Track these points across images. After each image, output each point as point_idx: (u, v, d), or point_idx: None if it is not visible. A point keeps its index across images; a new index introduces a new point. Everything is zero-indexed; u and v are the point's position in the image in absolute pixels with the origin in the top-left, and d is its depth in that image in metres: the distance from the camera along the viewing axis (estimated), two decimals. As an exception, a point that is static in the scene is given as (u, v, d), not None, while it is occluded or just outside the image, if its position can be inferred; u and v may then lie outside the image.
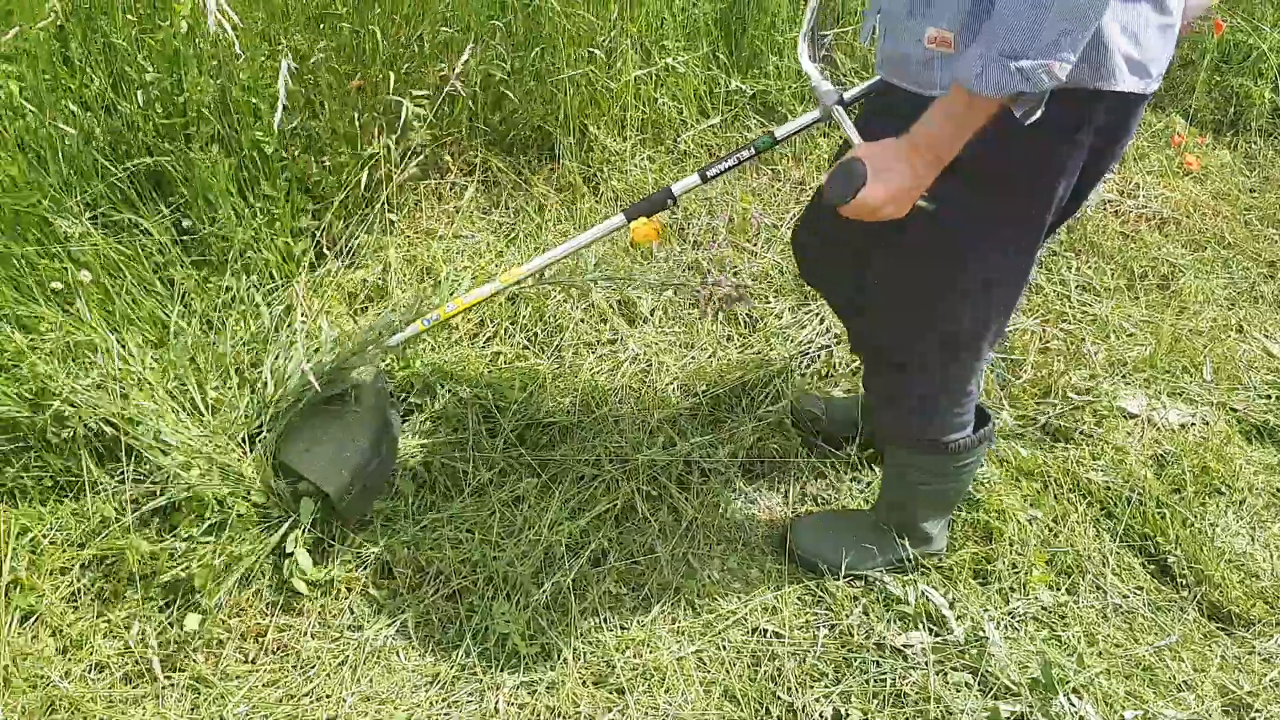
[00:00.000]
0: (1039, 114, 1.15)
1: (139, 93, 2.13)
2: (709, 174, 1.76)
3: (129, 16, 2.15)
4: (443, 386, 2.16)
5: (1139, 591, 1.94)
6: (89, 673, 1.67)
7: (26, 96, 1.96)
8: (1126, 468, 2.14)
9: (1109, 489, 2.10)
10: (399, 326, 1.96)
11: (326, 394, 1.90)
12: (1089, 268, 2.74)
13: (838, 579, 1.88)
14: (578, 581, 1.85)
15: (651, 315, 2.46)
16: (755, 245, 2.65)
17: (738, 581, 1.90)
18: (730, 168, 1.75)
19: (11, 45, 1.94)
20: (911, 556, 1.88)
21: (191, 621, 1.71)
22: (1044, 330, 2.51)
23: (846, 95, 1.54)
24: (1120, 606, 1.91)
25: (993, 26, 1.12)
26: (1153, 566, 2.00)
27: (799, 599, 1.87)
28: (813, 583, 1.89)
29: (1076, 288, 2.67)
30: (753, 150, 1.74)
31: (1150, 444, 2.23)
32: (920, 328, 1.57)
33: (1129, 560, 2.00)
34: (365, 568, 1.85)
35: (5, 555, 1.64)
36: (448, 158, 2.69)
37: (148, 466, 1.81)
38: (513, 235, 2.61)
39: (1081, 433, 2.23)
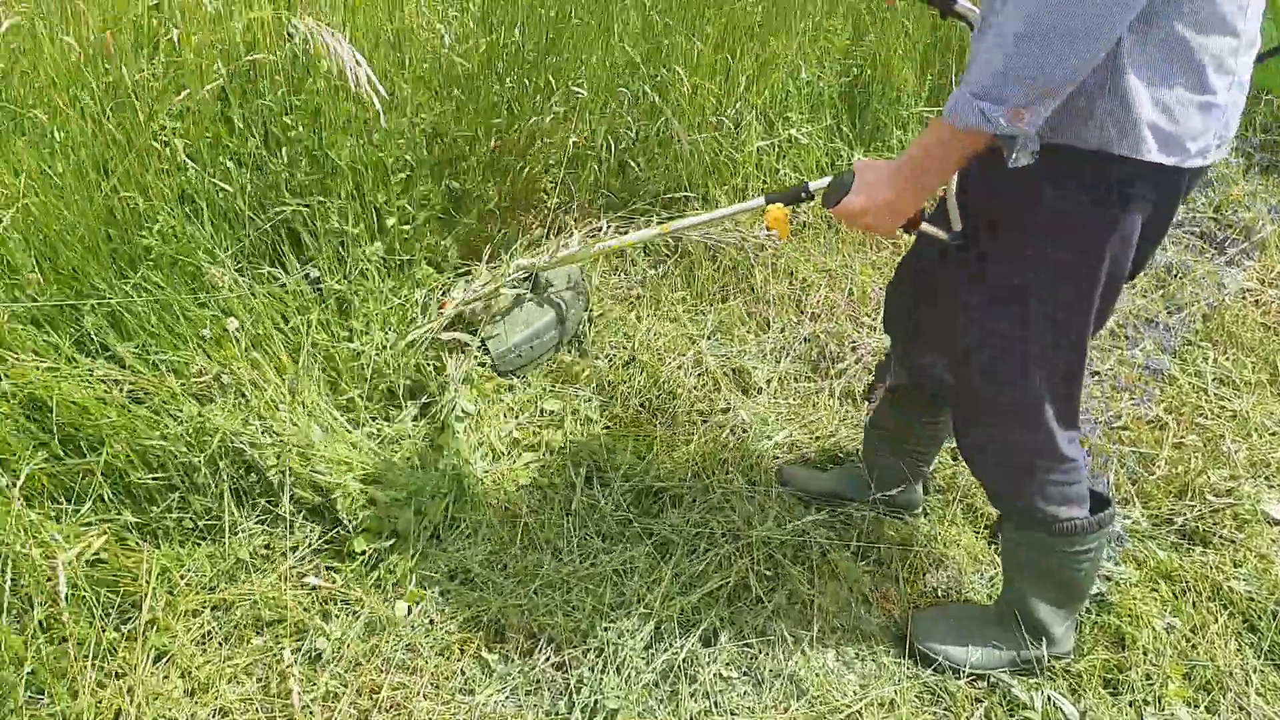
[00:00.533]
0: (1025, 160, 1.18)
1: (283, 149, 2.24)
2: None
3: (277, 78, 2.27)
4: (557, 445, 2.19)
5: (1285, 715, 1.82)
6: (213, 716, 1.71)
7: (190, 153, 2.07)
8: (1272, 578, 2.02)
9: (1252, 600, 1.98)
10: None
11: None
12: (1227, 360, 2.62)
13: (959, 678, 1.81)
14: (689, 660, 1.83)
15: (767, 385, 2.45)
16: (874, 320, 2.62)
17: (853, 672, 1.85)
18: None
19: (181, 105, 2.06)
20: (1038, 658, 1.80)
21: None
22: (1177, 424, 2.40)
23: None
24: (1265, 730, 1.79)
25: (972, 67, 1.18)
26: (1301, 688, 1.87)
27: (917, 696, 1.81)
28: (932, 679, 1.83)
29: (1214, 381, 2.56)
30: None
31: (1297, 553, 2.10)
32: (988, 387, 1.55)
33: (1274, 680, 1.87)
34: (479, 630, 1.86)
35: (145, 595, 1.70)
36: (570, 220, 2.75)
37: (281, 508, 1.87)
38: (634, 301, 2.64)
39: (1221, 537, 2.11)
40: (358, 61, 1.82)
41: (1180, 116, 1.22)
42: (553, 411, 2.32)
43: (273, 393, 1.97)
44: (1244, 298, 2.85)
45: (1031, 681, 1.80)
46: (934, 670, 1.84)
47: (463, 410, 2.21)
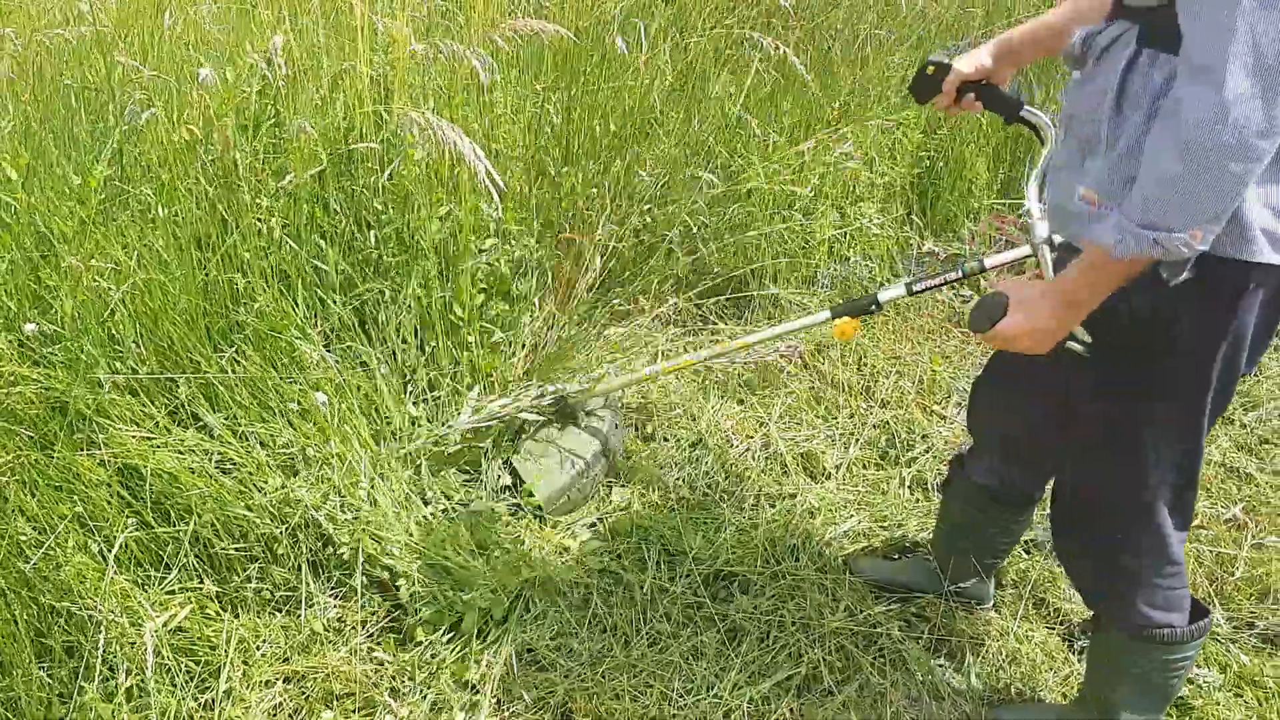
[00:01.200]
0: (1184, 276, 1.22)
1: (372, 232, 2.34)
2: (915, 288, 1.87)
3: (369, 165, 2.37)
4: (624, 528, 2.20)
5: (1383, 839, 1.73)
6: (283, 790, 1.72)
7: (289, 232, 2.17)
8: (1362, 690, 1.95)
9: (1343, 713, 1.91)
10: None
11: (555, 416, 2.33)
12: (1308, 458, 2.57)
13: None
14: (754, 755, 1.81)
15: (836, 471, 2.44)
16: (945, 409, 2.61)
17: (926, 773, 1.81)
18: (936, 285, 1.85)
19: (280, 187, 2.16)
20: None
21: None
22: (1255, 524, 2.35)
23: (1056, 239, 1.57)
24: None
25: (1133, 198, 1.19)
26: (1397, 810, 1.79)
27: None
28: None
29: (1294, 480, 2.50)
30: (960, 272, 1.84)
31: (1388, 665, 2.03)
32: (1103, 489, 1.55)
33: (1367, 798, 1.79)
34: (545, 712, 1.86)
35: (224, 664, 1.73)
36: (641, 299, 2.81)
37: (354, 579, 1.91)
38: (702, 385, 2.67)
39: (1308, 644, 2.05)
40: (476, 155, 1.89)
41: None
42: (619, 503, 2.32)
43: (353, 465, 2.02)
44: (1323, 395, 2.80)
45: None
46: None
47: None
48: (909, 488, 2.40)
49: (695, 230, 2.71)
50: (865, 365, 2.72)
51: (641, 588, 2.09)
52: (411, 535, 2.03)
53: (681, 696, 1.88)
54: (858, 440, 2.54)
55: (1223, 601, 2.16)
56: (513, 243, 2.42)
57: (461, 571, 2.00)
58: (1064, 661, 2.03)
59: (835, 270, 2.82)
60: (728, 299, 2.87)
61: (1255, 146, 1.10)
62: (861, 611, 2.04)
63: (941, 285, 1.86)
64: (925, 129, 2.91)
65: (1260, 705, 1.93)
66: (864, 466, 2.47)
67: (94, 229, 2.02)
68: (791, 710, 1.88)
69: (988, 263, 1.86)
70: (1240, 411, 2.70)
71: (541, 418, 2.34)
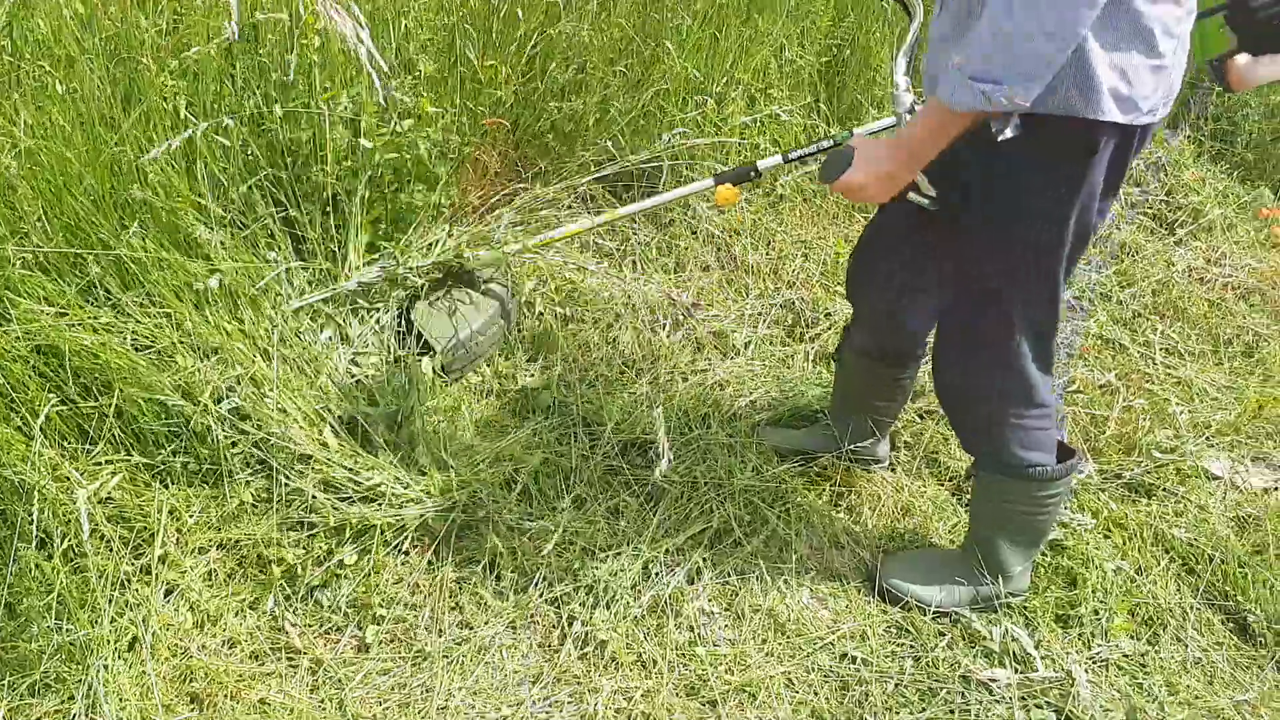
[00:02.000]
0: (1010, 133, 1.34)
1: (276, 105, 2.30)
2: (791, 156, 2.02)
3: (270, 37, 2.32)
4: (550, 405, 2.29)
5: (1219, 647, 1.98)
6: (222, 647, 1.79)
7: (194, 111, 2.13)
8: (1209, 526, 2.18)
9: (1191, 546, 2.15)
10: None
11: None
12: (1174, 332, 2.79)
13: (925, 614, 1.95)
14: (674, 597, 1.94)
15: (745, 348, 2.56)
16: (847, 288, 2.74)
17: (826, 609, 1.98)
18: (810, 154, 2.01)
19: (187, 62, 2.11)
20: (996, 594, 1.94)
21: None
22: (1126, 389, 2.56)
23: (918, 108, 1.69)
24: (1200, 660, 1.95)
25: (970, 53, 1.31)
26: (1233, 624, 2.04)
27: (886, 629, 1.94)
28: (899, 614, 1.96)
29: (1161, 350, 2.72)
30: (833, 142, 2.00)
31: (1233, 506, 2.27)
32: (971, 339, 1.71)
33: (1209, 616, 2.04)
34: (477, 566, 1.96)
35: (157, 531, 1.78)
36: (551, 189, 2.84)
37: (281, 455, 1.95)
38: (620, 262, 2.74)
39: (1165, 490, 2.28)
40: (359, 37, 1.88)
41: (1135, 79, 1.36)
42: (535, 389, 2.39)
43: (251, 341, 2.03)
44: (1190, 275, 3.03)
45: (990, 616, 1.95)
46: (901, 607, 1.97)
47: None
48: (812, 361, 2.54)
49: (610, 116, 2.74)
50: (773, 249, 2.83)
51: (562, 457, 2.18)
52: (328, 399, 2.07)
53: (603, 551, 2.00)
54: (765, 319, 2.66)
55: (1095, 456, 2.37)
56: (431, 127, 2.41)
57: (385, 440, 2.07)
58: (953, 513, 2.21)
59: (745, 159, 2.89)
60: (641, 188, 2.93)
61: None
62: (767, 470, 2.18)
63: (815, 154, 2.00)
64: (834, 17, 2.97)
65: (1124, 544, 2.15)
66: (771, 343, 2.60)
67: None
68: (704, 560, 2.02)
69: (857, 132, 2.01)
70: (1117, 289, 2.91)
71: (441, 279, 2.41)
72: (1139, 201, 3.25)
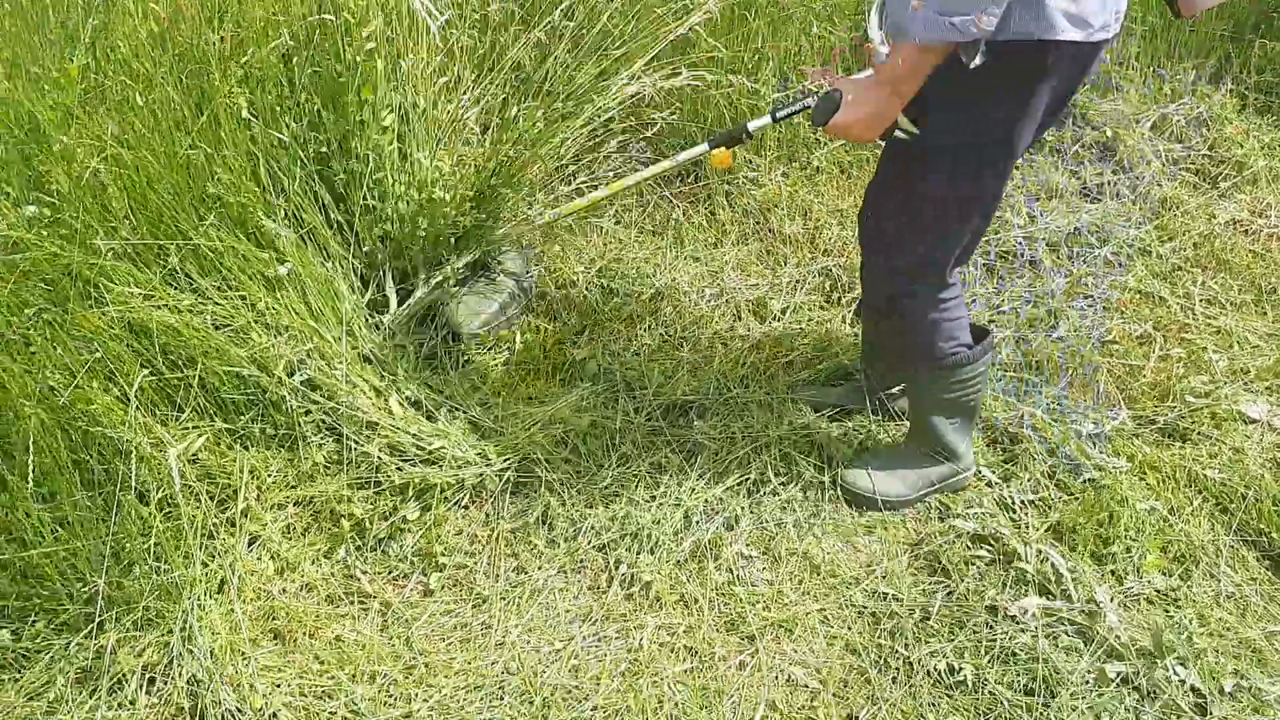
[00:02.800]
0: (980, 59, 1.47)
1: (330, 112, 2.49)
2: (778, 115, 2.12)
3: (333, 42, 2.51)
4: (596, 373, 2.43)
5: (1252, 582, 2.02)
6: (300, 591, 1.97)
7: (257, 111, 2.32)
8: (1244, 467, 2.21)
9: (1225, 486, 2.18)
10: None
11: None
12: (1215, 284, 2.80)
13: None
14: (713, 542, 2.06)
15: (783, 314, 2.66)
16: (882, 253, 2.83)
17: (860, 551, 2.08)
18: (797, 110, 2.11)
19: (247, 67, 2.31)
20: (953, 472, 2.13)
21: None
22: (1164, 339, 2.59)
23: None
24: (1234, 594, 1.99)
25: None
26: (1268, 561, 2.07)
27: (918, 568, 2.03)
28: (926, 549, 2.05)
29: (1201, 301, 2.74)
30: (816, 97, 2.07)
31: (1270, 447, 2.29)
32: (906, 236, 1.83)
33: (1243, 553, 2.07)
34: (530, 518, 2.10)
35: (240, 487, 1.96)
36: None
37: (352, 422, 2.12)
38: (660, 244, 2.87)
39: (1200, 434, 2.31)
40: None
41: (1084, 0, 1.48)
42: (581, 359, 2.52)
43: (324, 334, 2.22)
44: (1234, 227, 3.02)
45: (1026, 536, 2.02)
46: (927, 545, 2.06)
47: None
48: (849, 323, 2.63)
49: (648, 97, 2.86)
50: (810, 219, 2.92)
51: (608, 420, 2.32)
52: (396, 378, 2.24)
53: (647, 502, 2.13)
54: (803, 286, 2.76)
55: (1129, 403, 2.41)
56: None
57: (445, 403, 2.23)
58: (980, 455, 2.29)
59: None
60: (682, 174, 3.05)
61: None
62: (800, 422, 2.29)
63: (800, 110, 2.11)
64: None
65: (1158, 485, 2.20)
66: (809, 309, 2.69)
67: (79, 116, 2.17)
68: (742, 508, 2.13)
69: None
70: (1157, 244, 2.92)
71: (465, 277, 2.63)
72: (1181, 158, 3.24)
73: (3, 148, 2.15)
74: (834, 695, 1.83)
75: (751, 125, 2.15)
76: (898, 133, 1.64)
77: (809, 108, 2.06)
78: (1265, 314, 2.73)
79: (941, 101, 1.61)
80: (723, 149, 2.18)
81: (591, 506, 2.12)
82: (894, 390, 2.30)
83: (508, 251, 2.71)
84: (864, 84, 1.60)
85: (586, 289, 2.70)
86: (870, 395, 2.30)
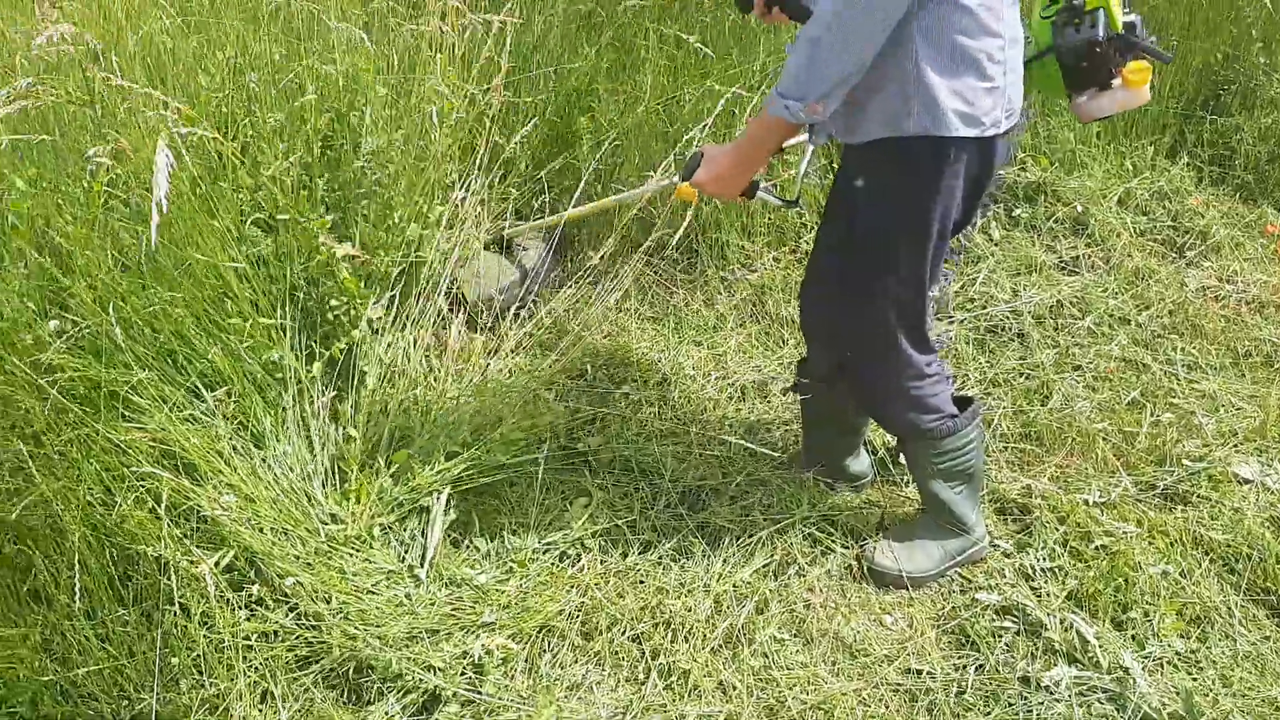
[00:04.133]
0: (822, 141, 1.81)
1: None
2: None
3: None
4: (611, 460, 2.47)
5: (1266, 640, 2.09)
6: (338, 699, 1.96)
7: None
8: (1245, 527, 2.30)
9: (1230, 546, 2.26)
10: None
11: None
12: (1194, 349, 2.93)
13: (982, 620, 2.09)
14: (746, 627, 2.09)
15: (784, 396, 2.74)
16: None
17: (890, 629, 2.12)
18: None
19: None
20: (969, 544, 2.21)
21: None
22: (1153, 405, 2.70)
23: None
24: (1250, 654, 2.06)
25: (785, 71, 1.65)
26: (1277, 618, 2.14)
27: (948, 642, 2.07)
28: (956, 625, 2.10)
29: (1183, 366, 2.86)
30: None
31: (1266, 506, 2.39)
32: (853, 329, 2.00)
33: (1255, 612, 2.15)
34: (567, 617, 2.11)
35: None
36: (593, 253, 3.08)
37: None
38: (662, 330, 2.95)
39: (1199, 496, 2.40)
40: None
41: (973, 99, 1.68)
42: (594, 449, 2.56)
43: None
44: (1204, 294, 3.18)
45: (1050, 606, 2.07)
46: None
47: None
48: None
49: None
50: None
51: (629, 510, 2.35)
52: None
53: (675, 590, 2.16)
54: (805, 367, 2.83)
55: (1129, 470, 2.50)
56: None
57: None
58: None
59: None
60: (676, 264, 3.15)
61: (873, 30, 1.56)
62: (819, 503, 2.34)
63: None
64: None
65: (1167, 549, 2.27)
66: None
67: (99, 235, 2.21)
68: (770, 590, 2.17)
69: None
70: (1135, 312, 3.06)
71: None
72: (1147, 229, 3.42)
73: (25, 263, 2.17)
74: (879, 776, 1.85)
75: None
76: (761, 195, 1.91)
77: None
78: (1244, 376, 2.86)
79: (867, 192, 1.82)
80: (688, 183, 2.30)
81: (622, 596, 2.14)
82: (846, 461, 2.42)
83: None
84: (719, 149, 1.84)
85: (594, 380, 2.76)
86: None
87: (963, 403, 2.11)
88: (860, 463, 2.42)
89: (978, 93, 1.68)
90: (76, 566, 1.66)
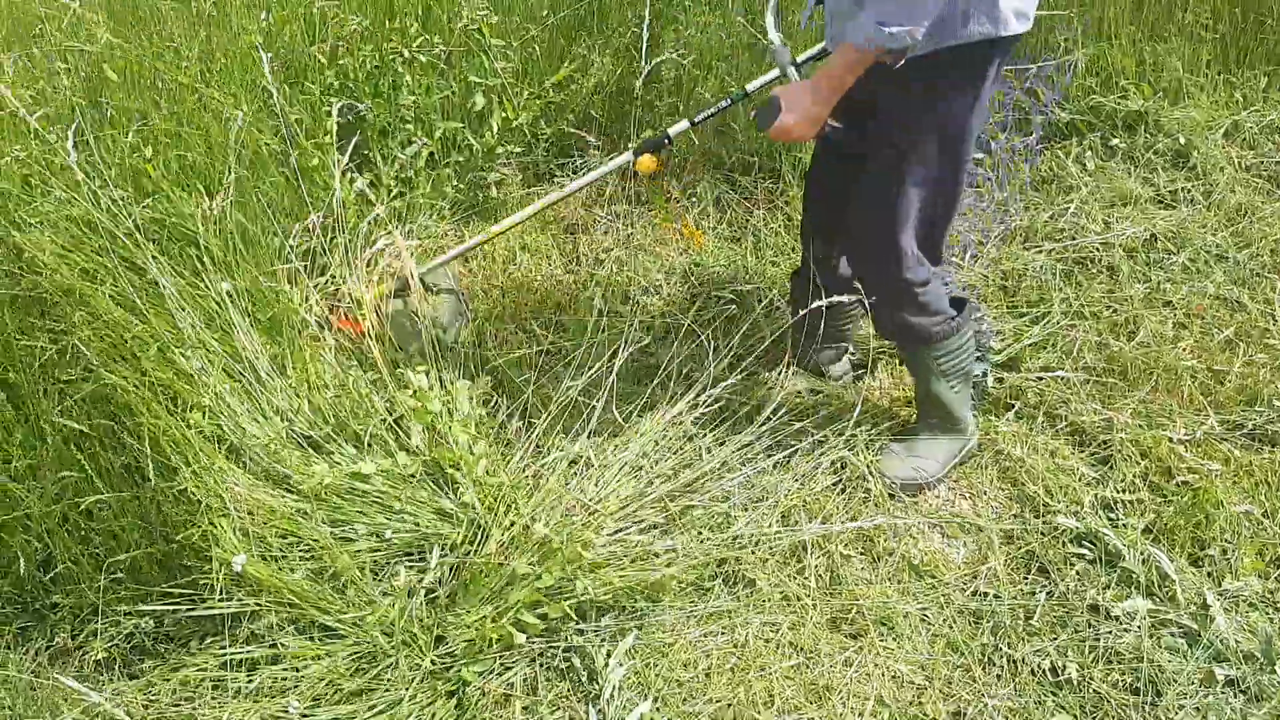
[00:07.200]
0: (900, 63, 1.69)
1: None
2: (696, 120, 2.29)
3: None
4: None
5: (1352, 585, 2.03)
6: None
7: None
8: (1336, 471, 2.22)
9: (1318, 489, 2.19)
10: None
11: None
12: (1296, 288, 2.81)
13: (1056, 547, 2.08)
14: (814, 542, 2.10)
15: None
16: (963, 260, 2.86)
17: (961, 549, 2.11)
18: (714, 114, 2.27)
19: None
20: (965, 442, 2.26)
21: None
22: (1245, 345, 2.60)
23: (799, 59, 2.06)
24: (1333, 598, 2.00)
25: (876, 5, 1.63)
26: (1365, 564, 2.08)
27: (1017, 566, 2.06)
28: (1025, 550, 2.08)
29: (1283, 306, 2.75)
30: (729, 100, 2.26)
31: (1361, 451, 2.30)
32: (885, 232, 1.99)
33: (1339, 556, 2.09)
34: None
35: None
36: (673, 182, 3.06)
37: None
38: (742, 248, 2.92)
39: (1289, 437, 2.32)
40: None
41: None
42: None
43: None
44: (1312, 231, 3.03)
45: (1127, 536, 2.05)
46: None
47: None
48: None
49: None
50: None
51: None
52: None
53: (747, 506, 2.17)
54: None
55: (1217, 409, 2.42)
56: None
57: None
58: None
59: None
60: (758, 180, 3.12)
61: None
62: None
63: (716, 113, 2.26)
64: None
65: (1252, 489, 2.21)
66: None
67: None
68: (838, 507, 2.17)
69: (749, 87, 2.25)
70: (1233, 249, 2.93)
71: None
72: (1254, 164, 3.25)
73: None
74: (940, 692, 1.86)
75: (672, 130, 2.29)
76: (828, 128, 1.84)
77: (724, 110, 2.26)
78: (1348, 318, 2.73)
79: (905, 107, 1.83)
80: (648, 155, 2.28)
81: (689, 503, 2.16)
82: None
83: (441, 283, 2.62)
84: (802, 87, 1.80)
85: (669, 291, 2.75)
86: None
87: (958, 303, 2.16)
88: (842, 366, 2.54)
89: None
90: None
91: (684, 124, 2.29)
